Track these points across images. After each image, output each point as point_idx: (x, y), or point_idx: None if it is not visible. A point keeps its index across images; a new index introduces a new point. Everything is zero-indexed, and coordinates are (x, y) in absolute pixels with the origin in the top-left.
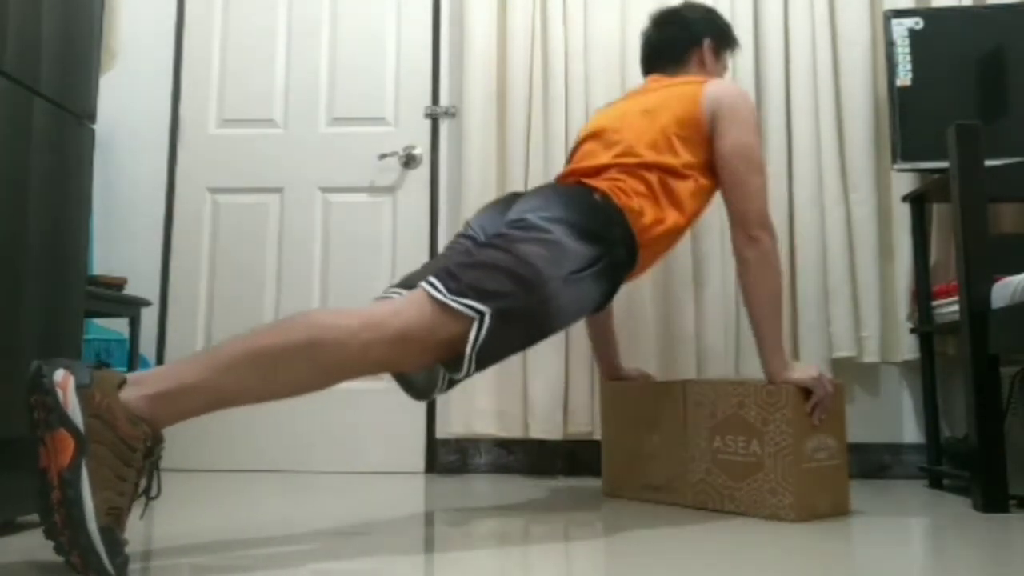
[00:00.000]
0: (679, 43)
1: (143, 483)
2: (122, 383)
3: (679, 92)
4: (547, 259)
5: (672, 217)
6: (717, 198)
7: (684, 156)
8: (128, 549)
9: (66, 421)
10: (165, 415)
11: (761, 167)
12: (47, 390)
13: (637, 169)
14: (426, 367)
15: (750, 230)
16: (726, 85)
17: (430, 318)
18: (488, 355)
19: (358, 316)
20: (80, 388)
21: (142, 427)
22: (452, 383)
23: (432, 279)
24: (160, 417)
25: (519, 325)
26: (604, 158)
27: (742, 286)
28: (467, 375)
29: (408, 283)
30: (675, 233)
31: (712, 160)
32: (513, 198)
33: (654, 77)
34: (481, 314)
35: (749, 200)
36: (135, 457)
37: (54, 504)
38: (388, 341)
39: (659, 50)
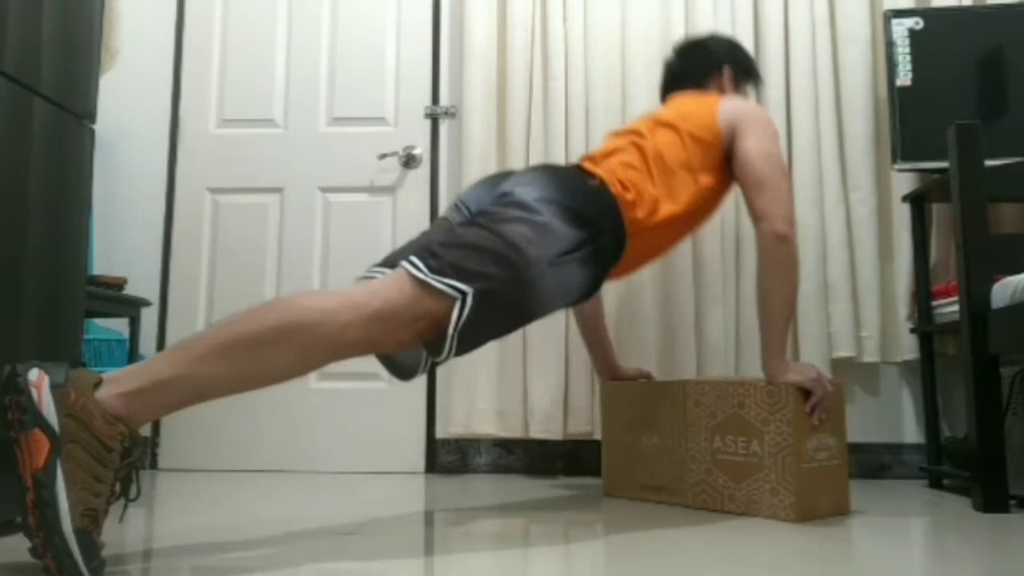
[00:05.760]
0: (700, 68)
1: (121, 485)
2: (98, 383)
3: (695, 102)
4: (532, 241)
5: (666, 209)
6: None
7: (692, 154)
8: (128, 549)
9: (40, 421)
10: (142, 412)
11: (786, 171)
12: (21, 389)
13: (640, 153)
14: (407, 347)
15: (778, 228)
16: (743, 100)
17: (410, 297)
18: (470, 337)
19: (336, 297)
20: (55, 387)
21: (119, 427)
22: (434, 365)
23: (413, 258)
24: (137, 414)
25: (502, 308)
26: (610, 144)
27: (761, 284)
28: (447, 357)
29: (390, 262)
30: (669, 228)
31: (722, 164)
32: (506, 175)
33: (671, 97)
34: (463, 294)
35: (777, 202)
36: (111, 457)
37: (29, 506)
38: (367, 321)
39: (679, 74)
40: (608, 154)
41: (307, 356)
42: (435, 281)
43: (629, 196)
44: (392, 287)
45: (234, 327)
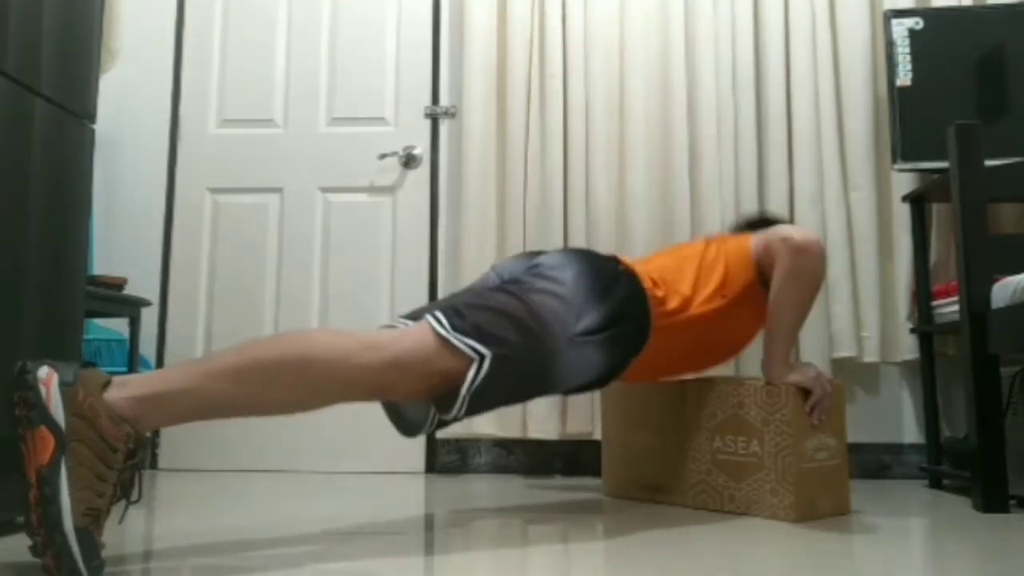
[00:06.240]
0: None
1: (123, 486)
2: (107, 383)
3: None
4: (557, 314)
5: (695, 309)
6: None
7: (727, 285)
8: (128, 550)
9: (47, 418)
10: (148, 418)
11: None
12: (30, 386)
13: (679, 256)
14: (417, 397)
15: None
16: None
17: (430, 350)
18: (481, 400)
19: (356, 337)
20: (63, 386)
21: (125, 428)
22: (441, 424)
23: (438, 313)
24: (143, 420)
25: (517, 376)
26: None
27: (778, 286)
28: (455, 418)
29: (416, 315)
30: (694, 329)
31: (753, 287)
32: (543, 252)
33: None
34: (482, 356)
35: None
36: (116, 458)
37: (31, 503)
38: (384, 365)
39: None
40: (647, 260)
41: (318, 392)
42: (456, 339)
43: (659, 293)
44: (414, 338)
45: (252, 351)
